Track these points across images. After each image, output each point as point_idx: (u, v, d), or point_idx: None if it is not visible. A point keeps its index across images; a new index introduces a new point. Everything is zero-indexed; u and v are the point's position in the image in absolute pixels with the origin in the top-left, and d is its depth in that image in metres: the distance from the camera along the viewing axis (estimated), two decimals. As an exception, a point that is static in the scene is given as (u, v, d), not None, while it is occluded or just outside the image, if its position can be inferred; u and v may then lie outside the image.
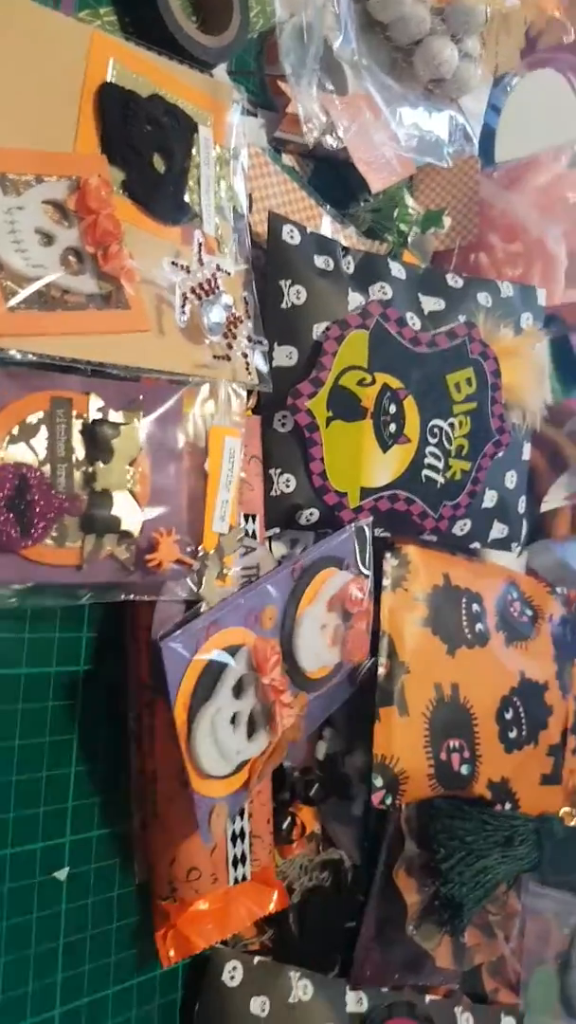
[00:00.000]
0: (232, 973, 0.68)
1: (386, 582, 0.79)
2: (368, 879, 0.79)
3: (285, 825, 0.73)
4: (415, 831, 0.80)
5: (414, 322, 0.75)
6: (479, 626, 0.84)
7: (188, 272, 0.58)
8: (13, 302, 0.49)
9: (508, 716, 0.84)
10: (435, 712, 0.78)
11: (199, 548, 0.60)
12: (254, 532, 0.68)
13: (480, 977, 0.87)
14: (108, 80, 0.56)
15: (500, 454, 0.83)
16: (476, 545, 0.86)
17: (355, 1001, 0.72)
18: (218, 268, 0.60)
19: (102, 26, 0.59)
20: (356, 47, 0.72)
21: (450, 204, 0.89)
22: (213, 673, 0.58)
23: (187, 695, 0.57)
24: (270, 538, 0.71)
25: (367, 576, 0.74)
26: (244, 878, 0.66)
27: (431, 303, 0.77)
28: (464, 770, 0.79)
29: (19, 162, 0.51)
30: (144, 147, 0.57)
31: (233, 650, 0.60)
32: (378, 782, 0.74)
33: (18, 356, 0.49)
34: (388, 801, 0.74)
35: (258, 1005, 0.67)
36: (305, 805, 0.76)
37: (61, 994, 0.60)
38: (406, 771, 0.75)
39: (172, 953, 0.64)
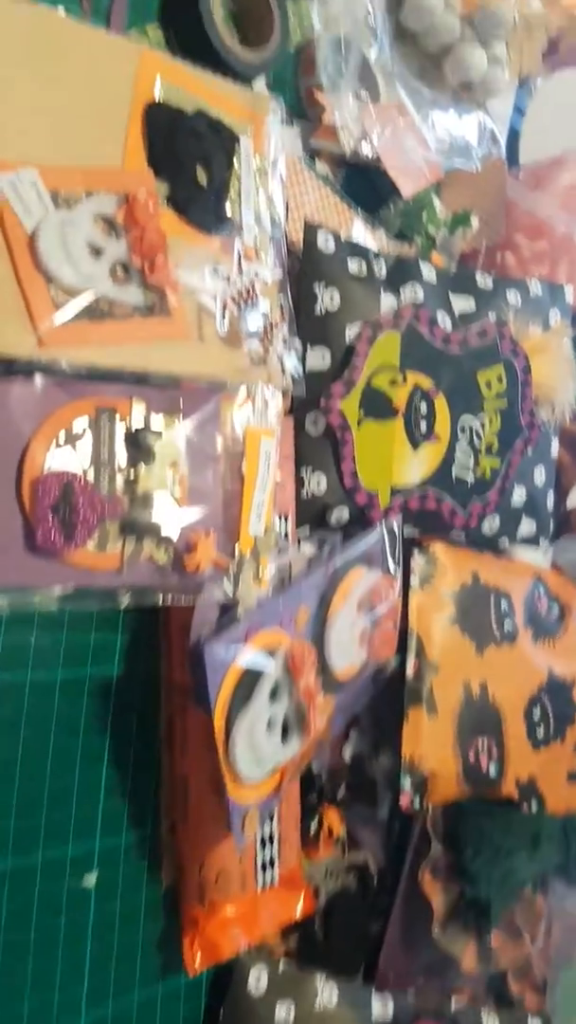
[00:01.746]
0: (257, 980, 0.70)
1: (414, 580, 0.82)
2: (394, 882, 0.82)
3: (312, 828, 0.77)
4: (441, 832, 0.84)
5: (445, 322, 0.78)
6: (507, 624, 0.87)
7: (228, 281, 0.61)
8: (63, 313, 0.53)
9: (536, 714, 0.87)
10: (463, 711, 0.81)
11: (235, 549, 0.63)
12: (286, 533, 0.72)
13: (506, 980, 0.90)
14: (155, 97, 0.60)
15: (529, 450, 0.86)
16: (504, 542, 0.90)
17: (380, 1006, 0.74)
18: (256, 276, 0.64)
19: (149, 43, 0.62)
20: (389, 55, 0.76)
21: (477, 205, 0.92)
22: (251, 678, 0.61)
23: (226, 700, 0.59)
24: (299, 538, 0.75)
25: (395, 576, 0.77)
26: (272, 882, 0.70)
27: (461, 303, 0.81)
28: (492, 770, 0.82)
29: (71, 178, 0.55)
30: (188, 161, 0.61)
31: (270, 652, 0.62)
32: (407, 784, 0.77)
33: (67, 367, 0.53)
34: (417, 804, 0.78)
35: (283, 1011, 0.70)
36: (332, 806, 0.79)
37: (87, 1002, 0.63)
38: (434, 772, 0.78)
39: (198, 962, 0.66)
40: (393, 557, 0.77)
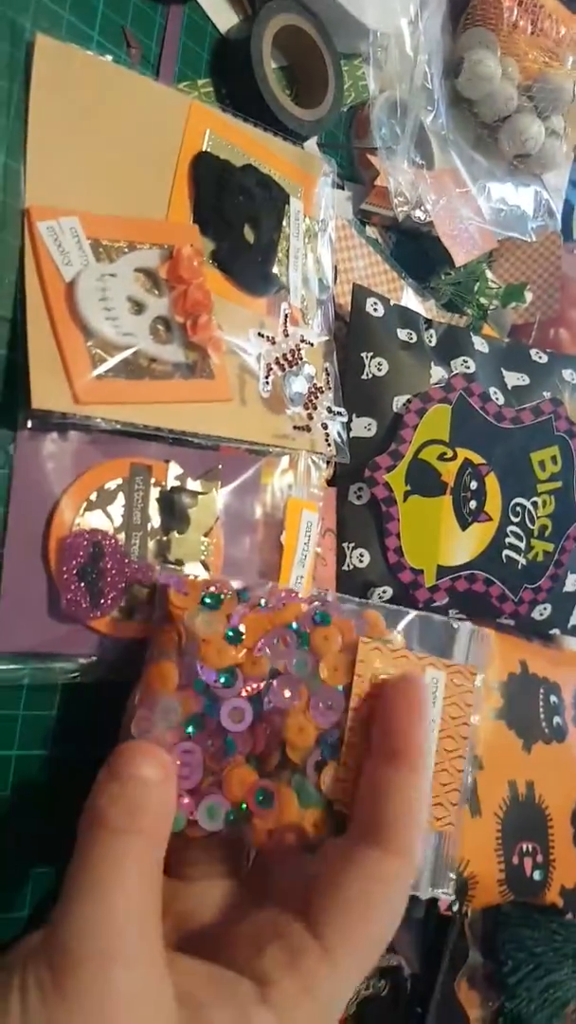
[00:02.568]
0: None
1: (459, 668, 0.79)
2: (428, 989, 0.78)
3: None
4: (480, 939, 0.79)
5: (497, 397, 0.77)
6: (556, 719, 0.83)
7: (273, 343, 0.60)
8: (101, 370, 0.51)
9: (585, 818, 0.82)
10: (508, 812, 0.77)
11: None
12: (326, 610, 0.69)
13: None
14: (204, 150, 0.59)
15: (585, 536, 0.83)
16: (556, 631, 0.86)
17: None
18: (302, 339, 0.62)
19: (199, 97, 0.62)
20: (445, 122, 0.75)
21: (531, 279, 0.92)
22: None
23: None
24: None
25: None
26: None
27: (514, 378, 0.79)
28: (537, 875, 0.78)
29: (113, 229, 0.54)
30: (236, 218, 0.60)
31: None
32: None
33: (103, 424, 0.52)
34: (455, 907, 0.74)
35: None
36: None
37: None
38: (476, 875, 0.74)
39: None
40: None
